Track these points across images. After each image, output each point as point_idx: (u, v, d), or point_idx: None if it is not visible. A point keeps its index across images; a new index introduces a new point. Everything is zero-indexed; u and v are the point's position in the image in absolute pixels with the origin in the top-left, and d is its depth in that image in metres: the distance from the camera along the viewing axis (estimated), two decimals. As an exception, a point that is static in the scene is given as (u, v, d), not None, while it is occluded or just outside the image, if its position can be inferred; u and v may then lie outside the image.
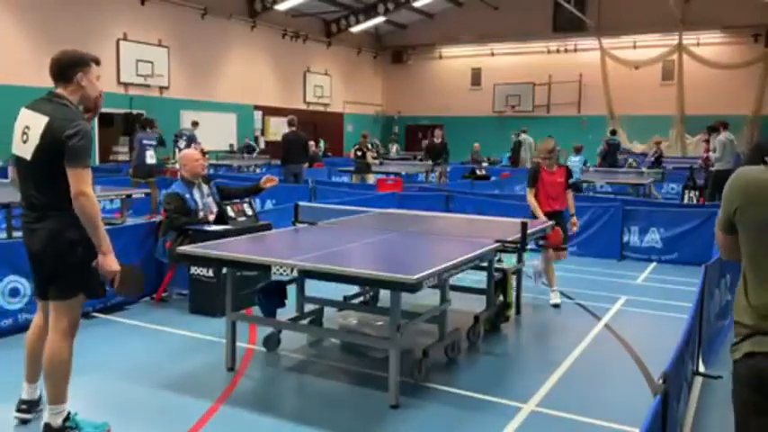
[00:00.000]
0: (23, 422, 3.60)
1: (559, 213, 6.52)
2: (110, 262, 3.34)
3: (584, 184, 14.75)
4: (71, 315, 3.44)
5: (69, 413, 3.47)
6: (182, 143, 17.25)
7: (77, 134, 3.24)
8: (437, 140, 17.06)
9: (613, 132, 19.90)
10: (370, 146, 17.41)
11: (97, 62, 3.54)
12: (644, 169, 15.95)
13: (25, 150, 3.34)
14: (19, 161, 3.41)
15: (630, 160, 19.49)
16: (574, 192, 7.06)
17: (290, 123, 13.11)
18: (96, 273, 3.40)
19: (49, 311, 3.47)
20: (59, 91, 3.41)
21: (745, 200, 2.23)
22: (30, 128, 3.33)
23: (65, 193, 3.24)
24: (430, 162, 16.97)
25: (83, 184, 3.22)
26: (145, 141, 11.72)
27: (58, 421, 3.40)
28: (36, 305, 3.68)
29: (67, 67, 3.41)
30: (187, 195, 6.16)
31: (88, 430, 3.48)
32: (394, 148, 26.80)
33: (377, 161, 17.87)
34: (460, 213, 9.12)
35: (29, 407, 3.61)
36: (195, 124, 17.04)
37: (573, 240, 9.25)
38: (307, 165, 14.79)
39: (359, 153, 16.29)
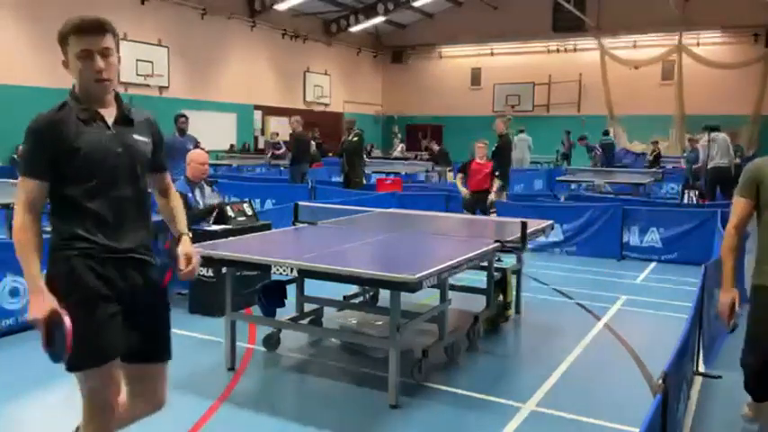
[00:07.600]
0: None
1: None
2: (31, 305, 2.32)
3: (585, 185, 14.70)
4: (85, 393, 2.52)
5: None
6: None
7: None
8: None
9: (606, 133, 19.90)
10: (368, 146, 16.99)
11: None
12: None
13: None
14: None
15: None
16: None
17: (298, 123, 13.08)
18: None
19: None
20: None
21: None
22: None
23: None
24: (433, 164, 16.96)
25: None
26: None
27: None
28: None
29: None
30: (189, 195, 6.15)
31: None
32: (399, 147, 26.30)
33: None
34: (460, 213, 9.12)
35: None
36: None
37: (574, 240, 9.29)
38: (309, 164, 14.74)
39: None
